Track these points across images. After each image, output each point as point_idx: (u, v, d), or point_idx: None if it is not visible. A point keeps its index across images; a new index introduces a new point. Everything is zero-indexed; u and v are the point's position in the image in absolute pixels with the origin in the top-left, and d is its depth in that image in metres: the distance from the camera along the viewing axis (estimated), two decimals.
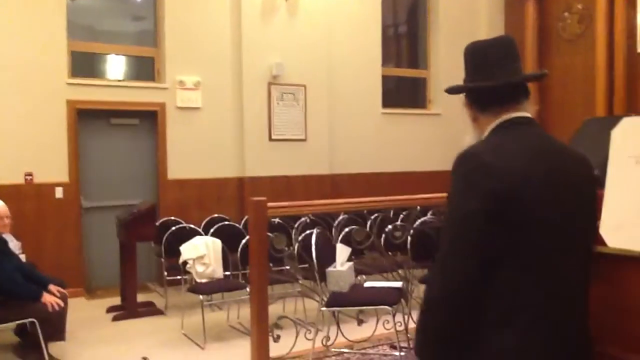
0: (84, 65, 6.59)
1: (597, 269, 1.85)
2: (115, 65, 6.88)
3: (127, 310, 5.50)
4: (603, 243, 2.20)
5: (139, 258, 5.68)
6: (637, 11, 7.07)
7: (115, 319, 5.43)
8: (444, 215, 1.52)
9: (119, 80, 6.67)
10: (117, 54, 6.83)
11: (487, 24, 8.54)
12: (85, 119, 6.42)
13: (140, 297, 5.75)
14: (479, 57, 1.83)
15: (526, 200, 1.44)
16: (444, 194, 1.83)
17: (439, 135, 8.32)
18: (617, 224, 2.25)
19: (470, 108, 1.80)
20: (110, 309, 5.68)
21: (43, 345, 4.00)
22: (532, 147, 1.56)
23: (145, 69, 6.92)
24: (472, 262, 1.41)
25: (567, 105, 7.94)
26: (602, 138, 2.69)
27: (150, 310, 5.64)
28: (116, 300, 5.83)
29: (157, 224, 5.95)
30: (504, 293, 1.44)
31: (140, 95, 6.62)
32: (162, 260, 5.77)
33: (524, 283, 1.44)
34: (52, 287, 4.24)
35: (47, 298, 4.05)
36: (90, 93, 6.36)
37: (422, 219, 5.44)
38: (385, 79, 8.19)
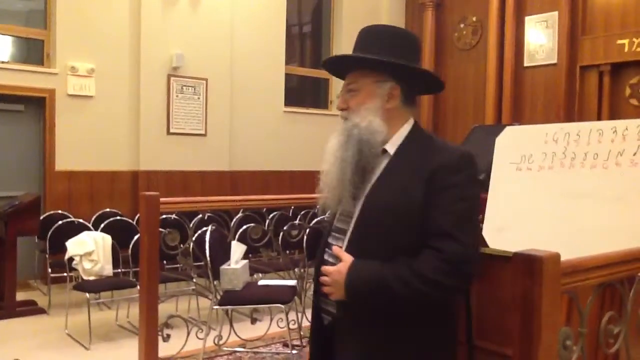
0: None
1: (479, 267, 1.95)
2: (0, 46, 6.37)
3: (4, 309, 5.12)
4: (485, 244, 2.32)
5: (21, 254, 5.31)
6: (524, 29, 7.57)
7: None
8: None
9: (3, 62, 6.19)
10: (2, 34, 6.33)
11: None
12: None
13: (20, 296, 5.38)
14: (412, 40, 1.72)
15: None
16: None
17: None
18: (498, 227, 2.39)
19: (393, 97, 1.64)
20: None
21: None
22: None
23: (33, 52, 6.45)
24: None
25: (459, 112, 8.35)
26: (488, 144, 2.85)
27: (31, 309, 5.29)
28: None
29: (42, 217, 5.60)
30: None
31: (27, 79, 6.17)
32: (47, 256, 5.43)
33: None
34: None
35: None
36: None
37: (319, 217, 5.49)
38: (288, 77, 8.19)
